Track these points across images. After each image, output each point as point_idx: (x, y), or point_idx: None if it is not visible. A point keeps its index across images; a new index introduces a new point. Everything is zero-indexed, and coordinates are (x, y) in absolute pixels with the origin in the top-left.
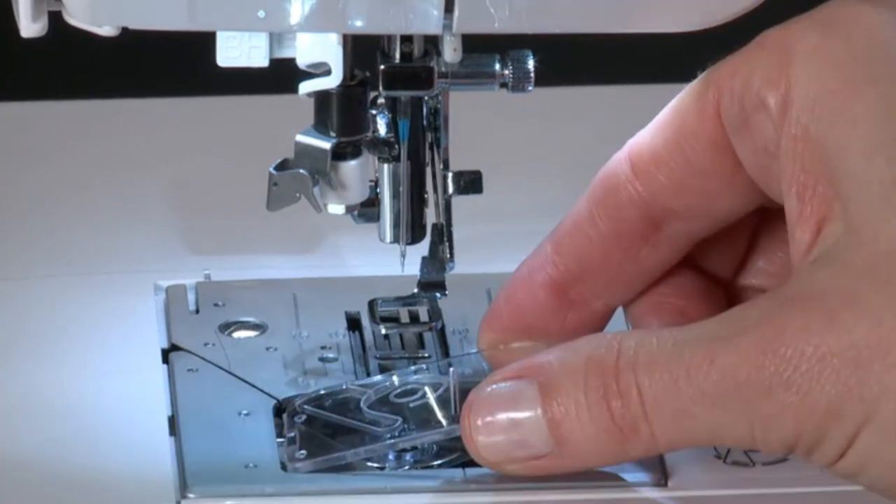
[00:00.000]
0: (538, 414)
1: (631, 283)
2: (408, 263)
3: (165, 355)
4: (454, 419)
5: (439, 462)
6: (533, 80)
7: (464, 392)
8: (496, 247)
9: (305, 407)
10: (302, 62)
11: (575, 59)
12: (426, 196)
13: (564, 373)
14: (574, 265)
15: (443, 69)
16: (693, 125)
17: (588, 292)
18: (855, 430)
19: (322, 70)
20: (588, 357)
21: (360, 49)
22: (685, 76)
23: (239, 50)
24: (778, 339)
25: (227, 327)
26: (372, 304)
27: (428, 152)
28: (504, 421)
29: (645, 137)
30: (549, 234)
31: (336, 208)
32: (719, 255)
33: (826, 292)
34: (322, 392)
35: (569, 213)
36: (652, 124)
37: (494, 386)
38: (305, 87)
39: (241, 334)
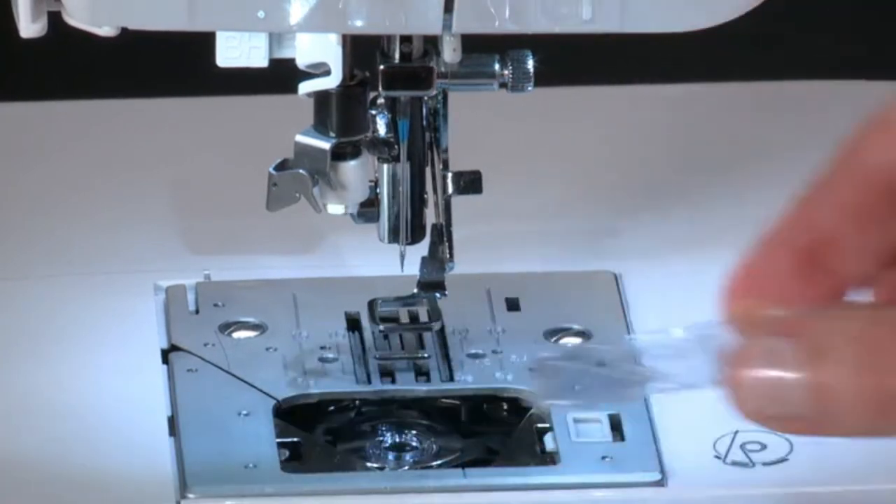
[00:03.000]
0: (803, 377)
1: (882, 253)
2: (408, 263)
3: (165, 355)
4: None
5: (439, 462)
6: (533, 80)
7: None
8: (496, 247)
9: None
10: (302, 62)
11: (575, 59)
12: (426, 196)
13: (837, 339)
14: (822, 232)
15: (442, 69)
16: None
17: (837, 261)
18: None
19: (322, 70)
20: (863, 328)
21: (360, 49)
22: (685, 76)
23: (239, 50)
24: None
25: (226, 327)
26: (372, 305)
27: (428, 152)
28: (768, 378)
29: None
30: (797, 199)
31: (336, 208)
32: None
33: None
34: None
35: (818, 177)
36: None
37: (762, 342)
38: (305, 87)
39: (240, 334)
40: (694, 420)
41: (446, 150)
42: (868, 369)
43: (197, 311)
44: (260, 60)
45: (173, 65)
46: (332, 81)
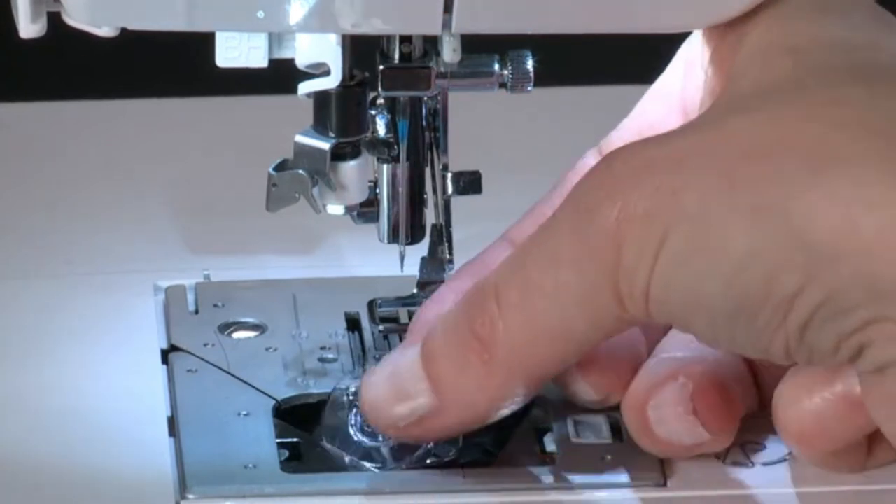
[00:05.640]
0: (415, 358)
1: None
2: (407, 264)
3: (165, 356)
4: None
5: (439, 462)
6: (532, 80)
7: None
8: None
9: None
10: (301, 63)
11: (575, 59)
12: (425, 196)
13: (442, 321)
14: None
15: (442, 69)
16: (664, 89)
17: None
18: (661, 237)
19: (321, 70)
20: (462, 301)
21: (360, 49)
22: None
23: (238, 50)
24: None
25: (226, 328)
26: (371, 305)
27: (427, 152)
28: (386, 370)
29: (615, 130)
30: (504, 233)
31: (335, 209)
32: None
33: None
34: None
35: (529, 210)
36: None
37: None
38: (305, 87)
39: (240, 335)
40: None
41: (446, 150)
42: (463, 326)
43: (197, 312)
44: (260, 61)
45: (173, 65)
46: (331, 82)
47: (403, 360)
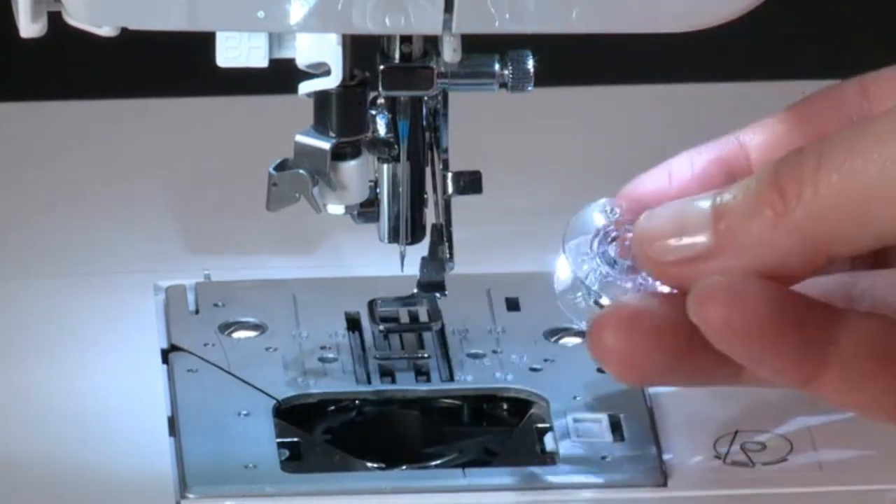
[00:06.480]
0: (705, 204)
1: None
2: (408, 264)
3: (165, 356)
4: None
5: (439, 462)
6: (533, 80)
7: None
8: (496, 247)
9: None
10: (301, 62)
11: (575, 59)
12: (426, 196)
13: (746, 179)
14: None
15: (442, 69)
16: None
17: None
18: None
19: (322, 70)
20: (776, 159)
21: (360, 49)
22: (685, 76)
23: (238, 50)
24: None
25: (226, 327)
26: (371, 305)
27: (428, 152)
28: (670, 209)
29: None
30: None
31: (336, 208)
32: None
33: None
34: None
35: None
36: None
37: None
38: (305, 87)
39: (240, 334)
40: (694, 420)
41: (446, 150)
42: (766, 183)
43: (197, 311)
44: (260, 60)
45: (173, 65)
46: (332, 81)
47: (694, 202)
